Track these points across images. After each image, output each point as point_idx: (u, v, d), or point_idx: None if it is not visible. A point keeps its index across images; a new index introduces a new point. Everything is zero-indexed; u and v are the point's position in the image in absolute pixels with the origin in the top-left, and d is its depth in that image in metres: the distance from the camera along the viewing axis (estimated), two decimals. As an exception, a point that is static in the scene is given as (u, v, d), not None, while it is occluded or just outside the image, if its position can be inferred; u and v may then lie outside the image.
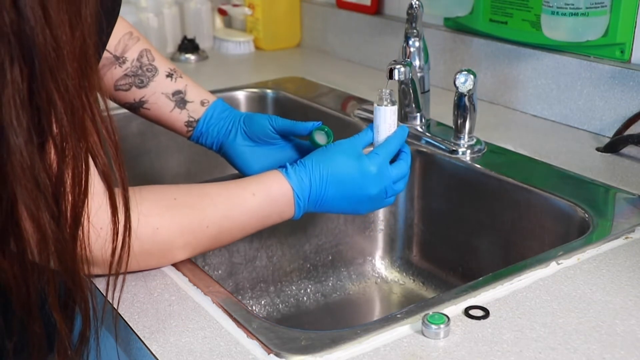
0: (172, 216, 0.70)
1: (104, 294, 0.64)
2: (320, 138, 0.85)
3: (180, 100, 0.92)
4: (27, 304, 0.56)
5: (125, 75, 0.91)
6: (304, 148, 0.90)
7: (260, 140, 0.90)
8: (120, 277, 0.63)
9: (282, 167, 0.78)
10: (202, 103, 0.93)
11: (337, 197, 0.78)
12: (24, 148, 0.50)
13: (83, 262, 0.58)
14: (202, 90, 0.95)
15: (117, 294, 0.64)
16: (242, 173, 0.91)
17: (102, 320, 0.63)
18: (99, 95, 0.55)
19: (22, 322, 0.57)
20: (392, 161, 0.82)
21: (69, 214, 0.55)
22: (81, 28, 0.52)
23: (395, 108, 0.82)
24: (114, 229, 0.60)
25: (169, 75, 0.93)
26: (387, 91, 0.81)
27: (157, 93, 0.92)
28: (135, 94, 0.92)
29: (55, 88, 0.51)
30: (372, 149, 0.82)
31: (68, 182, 0.54)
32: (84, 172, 0.55)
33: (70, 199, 0.55)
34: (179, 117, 0.93)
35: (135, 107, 0.93)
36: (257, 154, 0.90)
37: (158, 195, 0.70)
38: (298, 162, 0.78)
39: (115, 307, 0.65)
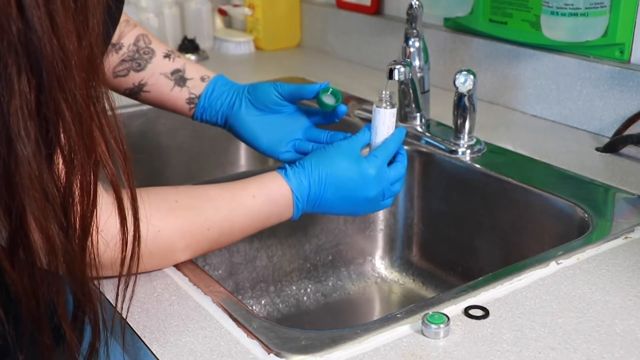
0: (174, 218, 0.70)
1: (113, 304, 0.63)
2: (328, 99, 0.84)
3: (179, 78, 0.91)
4: (36, 315, 0.56)
5: (123, 60, 0.90)
6: (312, 112, 0.89)
7: (267, 109, 0.88)
8: (130, 286, 0.62)
9: (281, 168, 0.78)
10: (203, 79, 0.92)
11: (336, 198, 0.78)
12: (32, 159, 0.50)
13: (92, 270, 0.58)
14: (202, 68, 0.94)
15: (126, 304, 0.63)
16: (250, 145, 0.90)
17: (112, 331, 0.63)
18: (107, 104, 0.55)
19: (32, 334, 0.57)
20: (390, 163, 0.81)
21: (77, 225, 0.55)
22: (88, 37, 0.52)
23: (394, 111, 0.81)
24: (122, 239, 0.59)
25: (167, 56, 0.92)
26: (388, 93, 0.81)
27: (156, 74, 0.91)
28: (133, 78, 0.91)
29: (63, 98, 0.50)
30: (368, 149, 0.82)
31: (76, 193, 0.54)
32: (92, 183, 0.54)
33: (79, 209, 0.55)
34: (180, 95, 0.91)
35: (136, 92, 0.92)
36: (265, 123, 0.88)
37: (159, 197, 0.70)
38: (297, 163, 0.78)
39: (124, 316, 0.65)
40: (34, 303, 0.55)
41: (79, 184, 0.54)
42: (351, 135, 0.83)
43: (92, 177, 0.54)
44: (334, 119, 0.88)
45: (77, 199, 0.54)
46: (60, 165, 0.53)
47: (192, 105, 0.92)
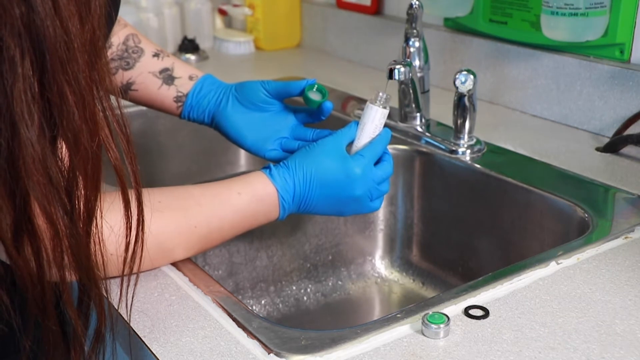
0: (158, 219, 0.69)
1: (117, 291, 0.64)
2: (314, 95, 0.84)
3: (167, 77, 0.91)
4: (42, 301, 0.56)
5: (111, 59, 0.90)
6: (299, 111, 0.89)
7: (254, 106, 0.88)
8: (134, 276, 0.62)
9: (265, 168, 0.78)
10: (191, 77, 0.92)
11: (322, 198, 0.77)
12: (36, 142, 0.50)
13: (97, 260, 0.58)
14: (191, 67, 0.94)
15: (131, 289, 0.63)
16: (236, 143, 0.89)
17: (117, 317, 0.63)
18: (109, 87, 0.55)
19: (37, 322, 0.57)
20: (377, 162, 0.81)
21: (82, 209, 0.55)
22: (90, 20, 0.52)
23: (386, 112, 0.80)
24: (126, 223, 0.60)
25: (156, 55, 0.92)
26: (386, 95, 0.80)
27: (144, 73, 0.91)
28: (122, 77, 0.91)
29: (66, 81, 0.51)
30: (353, 147, 0.81)
31: (80, 177, 0.54)
32: (96, 166, 0.55)
33: (82, 193, 0.55)
34: (168, 94, 0.91)
35: (124, 91, 0.92)
36: (251, 121, 0.88)
37: (143, 199, 0.70)
38: (281, 163, 0.78)
39: (130, 303, 0.65)
40: (40, 289, 0.56)
41: (82, 168, 0.54)
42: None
43: (95, 160, 0.54)
44: (320, 116, 0.87)
45: (81, 183, 0.54)
46: (64, 149, 0.53)
47: (180, 104, 0.92)
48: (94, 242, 0.57)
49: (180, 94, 0.91)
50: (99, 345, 0.61)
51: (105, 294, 0.60)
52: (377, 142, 0.80)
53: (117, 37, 0.90)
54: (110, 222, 0.61)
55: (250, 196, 0.75)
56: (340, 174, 0.77)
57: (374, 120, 0.80)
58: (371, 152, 0.79)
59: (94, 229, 0.57)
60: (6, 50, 0.48)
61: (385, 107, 0.80)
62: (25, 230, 0.53)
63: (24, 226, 0.53)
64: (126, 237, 0.60)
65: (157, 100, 0.92)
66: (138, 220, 0.60)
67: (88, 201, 0.55)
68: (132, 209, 0.59)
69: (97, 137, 0.54)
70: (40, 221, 0.53)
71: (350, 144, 0.81)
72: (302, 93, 0.85)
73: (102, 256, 0.59)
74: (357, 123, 0.81)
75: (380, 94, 0.80)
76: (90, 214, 0.56)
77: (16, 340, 0.58)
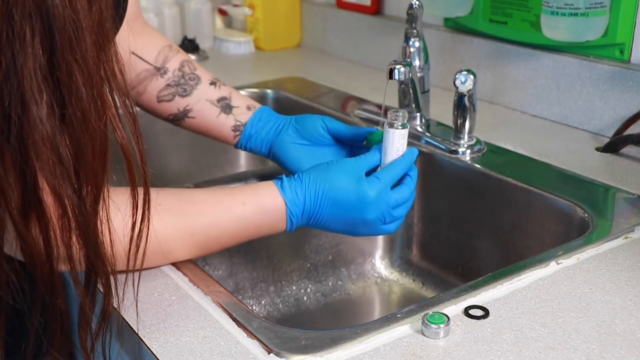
0: (155, 222, 0.68)
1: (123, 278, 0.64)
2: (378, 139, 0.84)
3: (225, 105, 0.92)
4: (50, 280, 0.57)
5: (168, 85, 0.91)
6: (355, 147, 0.89)
7: (314, 140, 0.88)
8: (141, 249, 0.62)
9: (277, 179, 0.77)
10: (249, 108, 0.93)
11: (332, 217, 0.76)
12: (45, 120, 0.51)
13: (104, 239, 0.59)
14: (247, 98, 0.95)
15: (137, 272, 0.64)
16: (294, 173, 0.87)
17: (124, 296, 0.63)
18: (116, 68, 0.56)
19: (44, 299, 0.57)
20: (397, 184, 0.79)
21: (89, 188, 0.56)
22: (99, 1, 0.53)
23: (404, 132, 0.79)
24: (133, 202, 0.60)
25: (213, 83, 0.93)
26: (399, 113, 0.78)
27: (202, 100, 0.92)
28: (179, 104, 0.91)
29: (74, 60, 0.52)
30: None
31: (88, 155, 0.55)
32: (103, 145, 0.55)
33: (90, 172, 0.55)
34: (226, 122, 0.92)
35: (180, 118, 0.92)
36: (311, 153, 0.88)
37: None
38: (295, 176, 0.77)
39: (137, 285, 0.65)
40: (48, 267, 0.56)
41: (90, 147, 0.55)
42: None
43: (103, 139, 0.55)
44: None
45: (88, 162, 0.55)
46: (72, 128, 0.54)
47: (237, 133, 0.92)
48: (101, 220, 0.58)
49: (238, 123, 0.92)
50: (105, 323, 0.61)
51: (112, 271, 0.60)
52: (397, 164, 0.78)
53: (173, 63, 0.91)
54: (117, 201, 0.61)
55: (256, 207, 0.74)
56: (352, 195, 0.75)
57: (393, 143, 0.79)
58: (388, 175, 0.77)
59: (101, 207, 0.57)
60: (18, 29, 0.49)
61: (403, 127, 0.79)
62: (33, 208, 0.54)
63: (32, 204, 0.54)
64: (132, 217, 0.61)
65: (214, 128, 0.93)
66: (144, 199, 0.61)
67: (96, 180, 0.56)
68: (138, 189, 0.60)
69: (104, 116, 0.55)
70: (49, 199, 0.54)
71: (377, 168, 0.80)
72: (363, 139, 0.86)
73: (110, 234, 0.59)
74: (380, 148, 0.80)
75: (394, 113, 0.79)
76: (97, 193, 0.57)
77: (23, 332, 0.59)
